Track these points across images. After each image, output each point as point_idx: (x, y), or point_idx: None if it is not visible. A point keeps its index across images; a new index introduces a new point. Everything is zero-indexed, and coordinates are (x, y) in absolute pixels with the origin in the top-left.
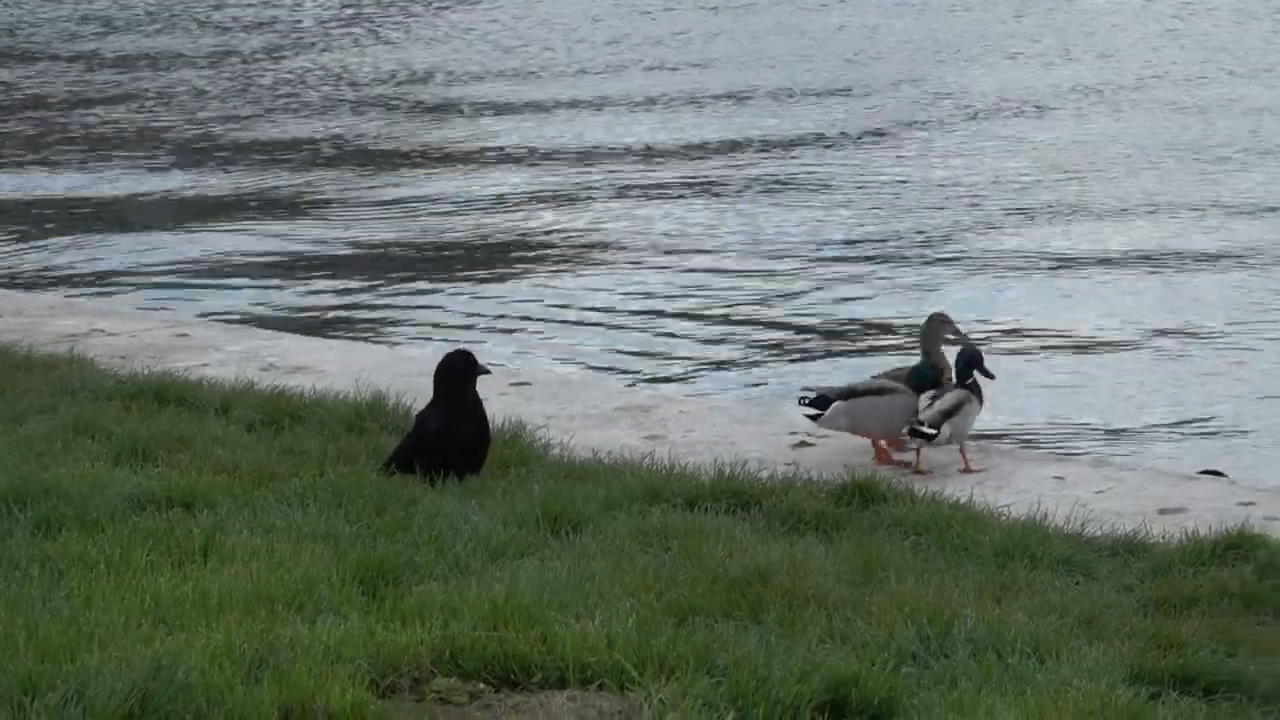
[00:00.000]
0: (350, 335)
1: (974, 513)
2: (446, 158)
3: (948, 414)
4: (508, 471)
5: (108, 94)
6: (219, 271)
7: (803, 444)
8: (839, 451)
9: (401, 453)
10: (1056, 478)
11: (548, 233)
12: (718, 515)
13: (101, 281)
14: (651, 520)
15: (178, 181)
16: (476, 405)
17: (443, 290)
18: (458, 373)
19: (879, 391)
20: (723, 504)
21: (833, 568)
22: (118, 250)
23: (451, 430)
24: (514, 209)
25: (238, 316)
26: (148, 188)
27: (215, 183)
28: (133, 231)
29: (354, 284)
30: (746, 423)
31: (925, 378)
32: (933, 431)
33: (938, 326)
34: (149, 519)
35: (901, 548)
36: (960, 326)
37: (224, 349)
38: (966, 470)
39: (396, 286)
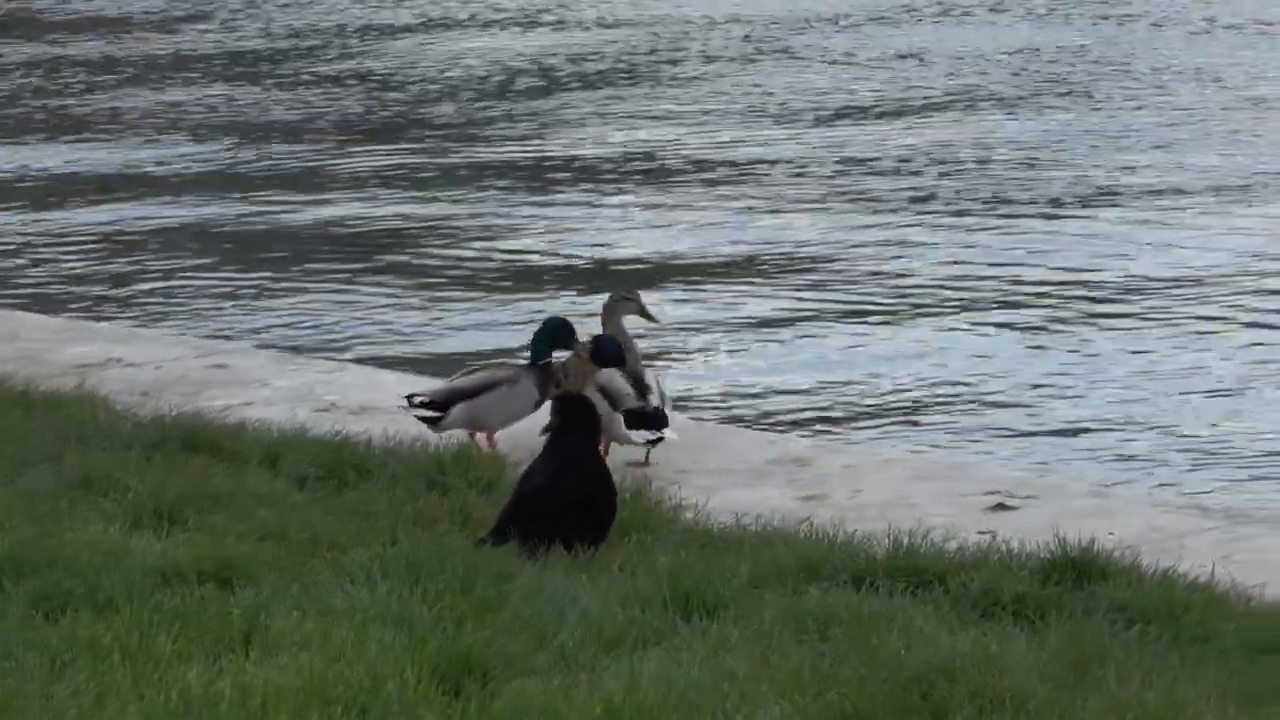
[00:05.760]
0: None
1: (1216, 595)
2: None
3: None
4: (628, 539)
5: None
6: None
7: (1000, 506)
8: (1048, 516)
9: (503, 519)
10: None
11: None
12: (892, 596)
13: None
14: (808, 602)
15: None
16: (596, 456)
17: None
18: (574, 415)
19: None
20: (899, 582)
21: (1036, 663)
22: None
23: (559, 489)
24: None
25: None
26: None
27: None
28: None
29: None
30: (929, 479)
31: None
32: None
33: (618, 304)
34: (176, 597)
35: (1124, 639)
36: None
37: (272, 384)
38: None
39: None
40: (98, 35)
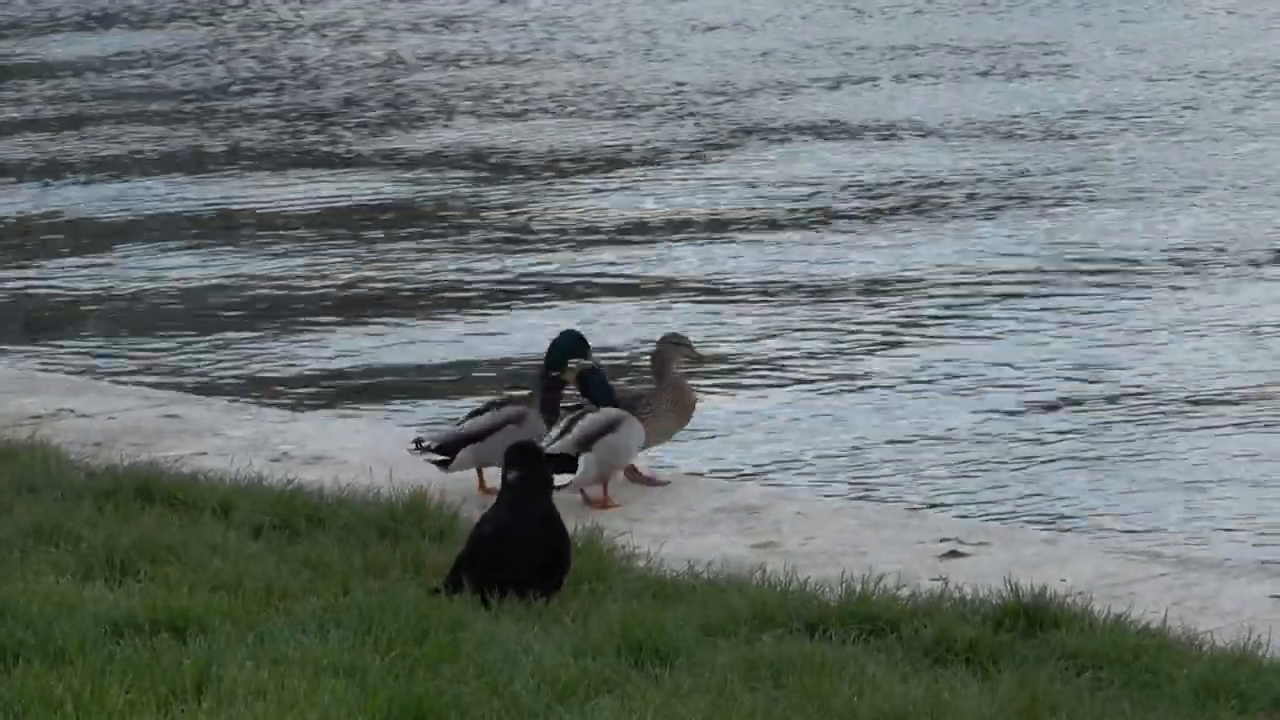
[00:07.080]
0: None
1: (1168, 640)
2: None
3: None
4: (580, 589)
5: None
6: None
7: (953, 554)
8: (1000, 563)
9: (457, 568)
10: (1274, 597)
11: None
12: (845, 644)
13: None
14: (761, 650)
15: None
16: (550, 506)
17: None
18: (529, 464)
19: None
20: (851, 630)
21: (989, 710)
22: None
23: (512, 536)
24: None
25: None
26: None
27: None
28: None
29: None
30: (881, 527)
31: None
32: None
33: (670, 349)
34: (128, 648)
35: (1076, 685)
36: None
37: (225, 434)
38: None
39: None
40: None
